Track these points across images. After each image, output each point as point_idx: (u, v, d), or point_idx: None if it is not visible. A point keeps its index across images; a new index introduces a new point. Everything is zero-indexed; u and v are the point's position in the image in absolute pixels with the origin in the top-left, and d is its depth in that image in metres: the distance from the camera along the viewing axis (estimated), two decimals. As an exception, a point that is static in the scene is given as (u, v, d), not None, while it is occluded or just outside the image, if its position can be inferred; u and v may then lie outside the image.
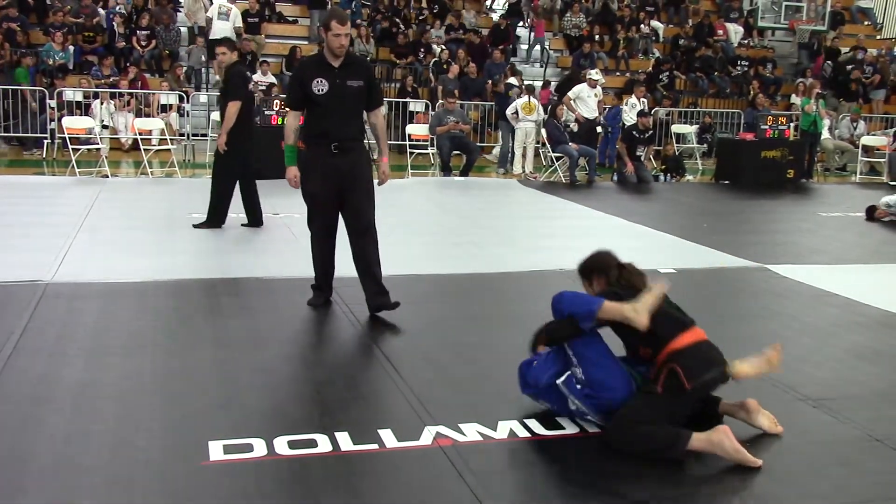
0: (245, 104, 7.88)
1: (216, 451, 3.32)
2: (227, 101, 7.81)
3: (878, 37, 22.05)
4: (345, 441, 3.46)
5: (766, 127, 13.87)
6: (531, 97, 13.69)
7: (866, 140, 15.70)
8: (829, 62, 19.82)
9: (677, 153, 14.17)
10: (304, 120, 5.34)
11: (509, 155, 14.10)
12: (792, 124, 14.19)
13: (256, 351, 4.62)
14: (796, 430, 3.84)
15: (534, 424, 3.69)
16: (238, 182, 8.11)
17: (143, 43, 16.06)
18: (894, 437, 3.73)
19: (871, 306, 6.00)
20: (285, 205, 9.43)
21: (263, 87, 14.14)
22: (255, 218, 8.24)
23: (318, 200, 5.30)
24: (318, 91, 5.15)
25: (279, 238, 7.75)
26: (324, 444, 3.43)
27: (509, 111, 13.69)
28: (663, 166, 13.96)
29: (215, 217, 8.13)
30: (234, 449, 3.34)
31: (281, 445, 3.39)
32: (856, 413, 4.01)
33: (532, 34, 19.11)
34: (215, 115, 14.27)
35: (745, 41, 20.40)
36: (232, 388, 4.06)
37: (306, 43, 17.28)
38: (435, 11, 18.75)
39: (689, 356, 3.58)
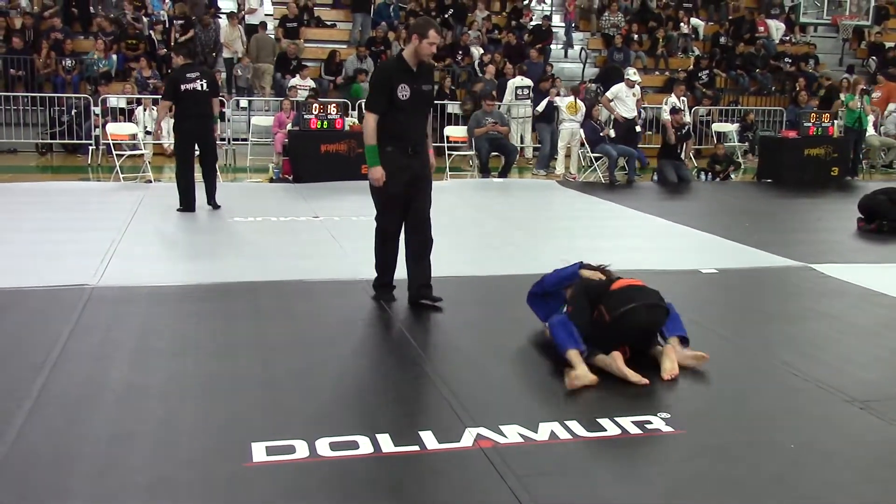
0: (180, 102, 9.14)
1: (259, 452, 3.35)
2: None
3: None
4: (386, 443, 3.47)
5: (810, 124, 13.67)
6: (576, 98, 13.64)
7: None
8: (873, 57, 19.47)
9: (721, 153, 13.99)
10: (375, 132, 5.46)
11: (549, 155, 14.06)
12: (836, 122, 13.95)
13: (298, 353, 4.65)
14: (844, 433, 3.78)
15: (575, 426, 3.67)
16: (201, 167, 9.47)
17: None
18: (944, 440, 3.65)
19: (920, 306, 5.88)
20: (325, 207, 9.51)
21: (305, 92, 14.26)
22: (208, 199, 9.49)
23: (397, 201, 5.53)
24: (403, 96, 5.40)
25: (320, 241, 7.80)
26: (365, 446, 3.44)
27: (540, 107, 13.73)
28: (707, 165, 13.81)
29: (184, 202, 9.26)
30: (276, 450, 3.37)
31: (323, 447, 3.41)
32: (903, 414, 3.93)
33: (570, 31, 19.03)
34: (256, 120, 14.47)
35: (787, 37, 20.13)
36: (274, 390, 4.09)
37: (345, 47, 17.37)
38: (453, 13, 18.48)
39: (613, 297, 4.44)
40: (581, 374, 4.19)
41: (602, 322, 4.41)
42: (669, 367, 4.35)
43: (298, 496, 3.06)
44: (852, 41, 20.75)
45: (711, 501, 3.11)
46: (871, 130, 15.36)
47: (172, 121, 9.49)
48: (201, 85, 9.16)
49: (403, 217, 5.60)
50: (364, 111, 5.73)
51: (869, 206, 9.30)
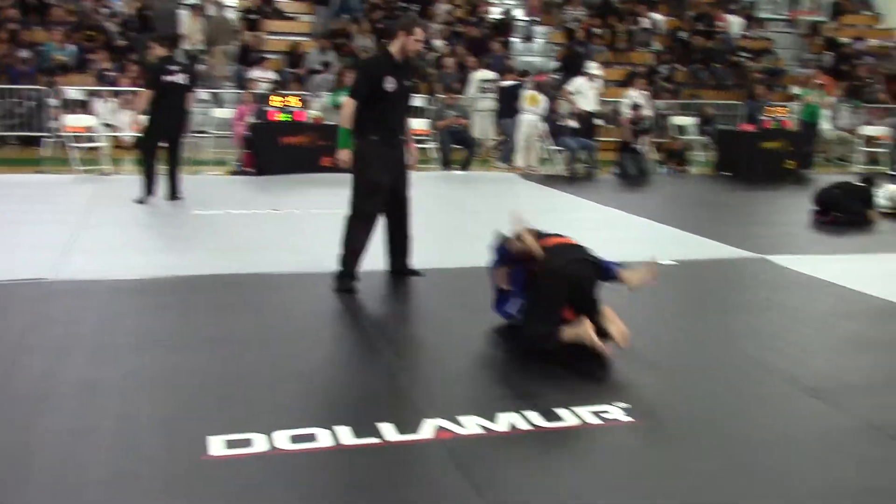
0: (159, 92, 9.02)
1: (217, 445, 3.35)
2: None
3: (879, 27, 21.97)
4: (345, 435, 3.48)
5: (766, 118, 13.86)
6: (537, 91, 13.69)
7: (867, 130, 15.68)
8: (830, 52, 19.78)
9: (679, 147, 14.15)
10: (359, 113, 5.72)
11: (511, 149, 14.10)
12: (792, 115, 14.17)
13: (257, 347, 4.64)
14: (795, 420, 3.87)
15: (534, 417, 3.71)
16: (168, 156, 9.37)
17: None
18: (893, 426, 3.74)
19: (870, 295, 6.01)
20: (287, 200, 9.47)
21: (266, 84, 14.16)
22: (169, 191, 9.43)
23: (381, 189, 5.78)
24: (389, 88, 5.66)
25: (281, 234, 7.78)
26: (324, 439, 3.45)
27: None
28: (665, 158, 13.95)
29: (146, 188, 9.23)
30: (234, 444, 3.36)
31: (281, 440, 3.41)
32: (854, 402, 4.03)
33: (532, 24, 19.08)
34: (217, 112, 14.35)
35: (746, 32, 20.36)
36: (233, 383, 4.08)
37: (308, 39, 17.26)
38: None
39: (548, 252, 4.62)
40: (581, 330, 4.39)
41: (537, 279, 4.58)
42: (618, 332, 4.49)
43: (257, 489, 3.06)
44: (809, 37, 21.04)
45: (670, 490, 3.16)
46: (825, 125, 15.63)
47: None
48: (181, 79, 9.14)
49: (383, 205, 5.82)
50: (346, 96, 5.90)
51: (824, 199, 9.48)
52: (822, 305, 5.88)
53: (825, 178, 11.11)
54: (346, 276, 5.75)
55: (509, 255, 4.86)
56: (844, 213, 9.23)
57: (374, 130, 5.73)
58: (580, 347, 4.44)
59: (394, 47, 5.80)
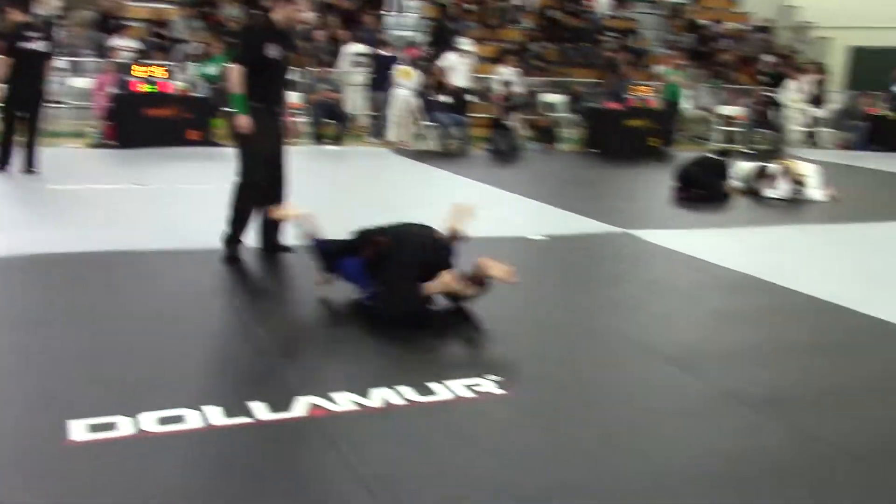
0: (16, 60, 8.67)
1: (78, 430, 3.21)
2: None
3: (735, 10, 22.95)
4: (215, 415, 3.40)
5: (631, 97, 14.28)
6: (410, 65, 13.65)
7: (724, 110, 16.41)
8: (689, 34, 20.54)
9: (549, 124, 14.44)
10: (243, 82, 5.66)
11: (383, 123, 14.04)
12: (655, 95, 14.66)
13: (120, 326, 4.47)
14: (658, 388, 4.03)
15: (407, 391, 3.73)
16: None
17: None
18: (747, 392, 3.95)
19: (727, 268, 6.31)
20: (152, 175, 9.14)
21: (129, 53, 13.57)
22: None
23: (263, 158, 5.81)
24: (271, 55, 5.67)
25: (146, 210, 7.50)
26: (193, 420, 3.36)
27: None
28: (536, 135, 14.20)
29: (1, 159, 8.96)
30: (97, 427, 3.23)
31: (148, 422, 3.30)
32: (712, 370, 4.22)
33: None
34: (75, 82, 13.67)
35: (612, 13, 20.88)
36: (94, 364, 3.92)
37: (172, 7, 16.62)
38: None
39: (384, 229, 4.80)
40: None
41: (387, 251, 4.69)
42: (502, 272, 4.69)
43: (122, 474, 2.95)
44: (671, 18, 21.76)
45: (543, 461, 3.23)
46: (686, 104, 16.26)
47: None
48: (41, 46, 8.72)
49: (268, 173, 5.85)
50: (232, 63, 5.84)
51: (684, 176, 9.88)
52: (683, 278, 6.13)
53: (686, 155, 11.56)
54: (235, 242, 5.84)
55: (336, 250, 5.01)
56: (703, 189, 9.65)
57: (256, 98, 5.70)
58: (451, 323, 4.48)
59: (277, 14, 5.77)
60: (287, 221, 4.81)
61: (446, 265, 4.79)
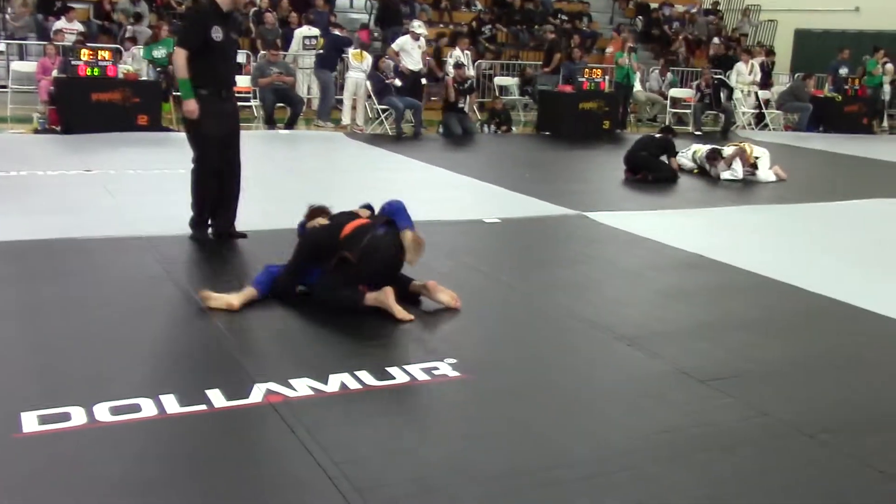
0: None
1: (30, 422, 3.15)
2: None
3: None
4: (171, 404, 3.36)
5: (583, 80, 14.36)
6: (361, 48, 13.55)
7: (674, 92, 16.58)
8: (640, 17, 20.70)
9: (502, 107, 14.46)
10: (191, 66, 5.65)
11: (330, 104, 13.92)
12: (606, 77, 14.75)
13: (71, 315, 4.39)
14: (612, 368, 4.07)
15: (365, 376, 3.72)
16: None
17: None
18: (699, 370, 4.01)
19: (679, 248, 6.40)
20: (99, 160, 8.97)
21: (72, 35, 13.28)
22: None
23: (216, 142, 5.78)
24: (216, 38, 5.63)
25: (93, 196, 7.35)
26: (148, 408, 3.32)
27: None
28: (489, 118, 14.21)
29: None
30: (50, 419, 3.18)
31: (102, 412, 3.25)
32: (665, 349, 4.28)
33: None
34: (17, 66, 13.34)
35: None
36: (45, 354, 3.85)
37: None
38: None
39: (349, 241, 4.66)
40: (220, 300, 4.54)
41: (352, 265, 4.64)
42: (449, 297, 4.70)
43: (76, 465, 2.91)
44: (622, 1, 21.90)
45: (500, 443, 3.25)
46: (637, 86, 16.39)
47: None
48: None
49: (223, 157, 5.85)
50: (176, 47, 5.85)
51: (632, 161, 9.97)
52: (635, 258, 6.20)
53: (636, 137, 11.65)
54: (202, 224, 5.93)
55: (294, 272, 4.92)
56: (650, 171, 9.77)
57: (203, 84, 5.69)
58: (408, 308, 4.49)
59: None
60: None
61: (396, 280, 4.76)
